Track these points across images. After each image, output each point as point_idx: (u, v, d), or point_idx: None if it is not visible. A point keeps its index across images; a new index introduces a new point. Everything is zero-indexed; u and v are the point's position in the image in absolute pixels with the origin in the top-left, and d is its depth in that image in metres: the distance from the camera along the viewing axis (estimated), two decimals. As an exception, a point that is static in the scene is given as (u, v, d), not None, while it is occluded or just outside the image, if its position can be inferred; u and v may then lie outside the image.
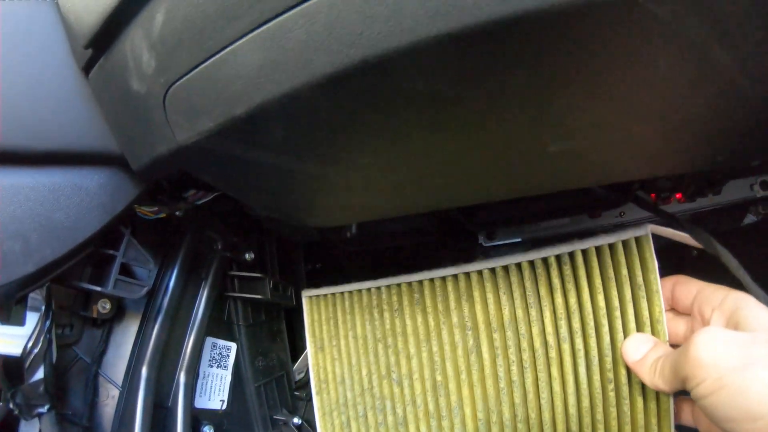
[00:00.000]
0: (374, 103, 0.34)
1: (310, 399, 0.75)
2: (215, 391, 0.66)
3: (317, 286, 0.78)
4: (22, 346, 0.52)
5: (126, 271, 0.58)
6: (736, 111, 0.35)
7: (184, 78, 0.38)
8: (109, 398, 0.60)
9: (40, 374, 0.53)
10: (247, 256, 0.70)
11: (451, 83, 0.31)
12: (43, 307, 0.53)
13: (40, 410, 0.52)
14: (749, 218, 0.71)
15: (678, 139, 0.40)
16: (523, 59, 0.28)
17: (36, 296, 0.54)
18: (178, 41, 0.37)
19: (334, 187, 0.50)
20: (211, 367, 0.67)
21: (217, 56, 0.35)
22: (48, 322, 0.53)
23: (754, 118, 0.36)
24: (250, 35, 0.33)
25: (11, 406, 0.51)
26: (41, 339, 0.53)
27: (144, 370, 0.59)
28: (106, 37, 0.42)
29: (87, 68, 0.47)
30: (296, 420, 0.70)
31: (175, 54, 0.38)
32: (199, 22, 0.34)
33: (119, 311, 0.61)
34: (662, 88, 0.31)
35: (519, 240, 0.71)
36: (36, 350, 0.53)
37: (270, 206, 0.59)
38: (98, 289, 0.56)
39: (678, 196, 0.65)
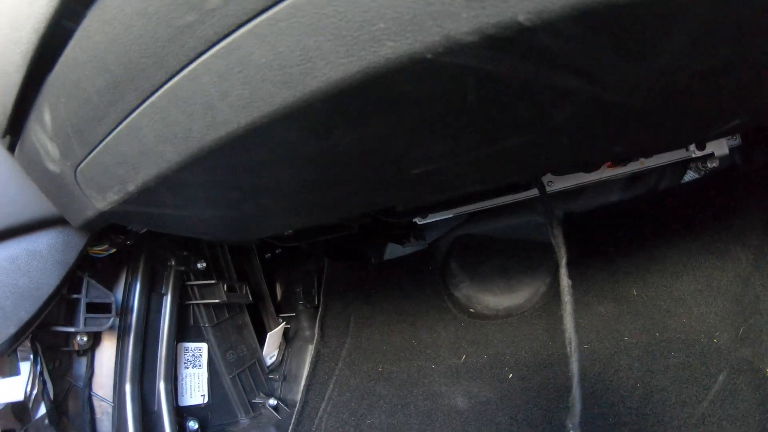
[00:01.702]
0: (235, 171, 0.41)
1: (284, 379, 0.87)
2: (195, 388, 0.77)
3: (279, 270, 0.86)
4: (23, 392, 0.62)
5: (93, 306, 0.67)
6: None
7: (84, 162, 0.46)
8: (104, 414, 0.70)
9: (42, 410, 0.64)
10: (199, 265, 0.78)
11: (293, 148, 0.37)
12: (32, 355, 0.63)
13: (49, 439, 0.63)
14: (690, 175, 0.77)
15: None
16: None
17: (23, 348, 0.63)
18: (67, 135, 0.44)
19: (244, 220, 0.57)
20: (187, 368, 0.77)
21: (99, 147, 0.43)
22: (38, 366, 0.63)
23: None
24: (115, 131, 0.40)
25: (25, 441, 0.62)
26: (36, 382, 0.63)
27: (127, 387, 0.70)
28: (14, 128, 0.49)
29: (11, 149, 0.54)
30: (272, 401, 0.82)
31: (69, 144, 0.45)
32: (76, 120, 0.41)
33: (97, 338, 0.70)
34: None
35: (451, 216, 0.78)
36: (35, 392, 0.63)
37: (204, 236, 0.66)
38: (71, 329, 0.65)
39: (607, 164, 0.71)
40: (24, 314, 0.58)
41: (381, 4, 0.25)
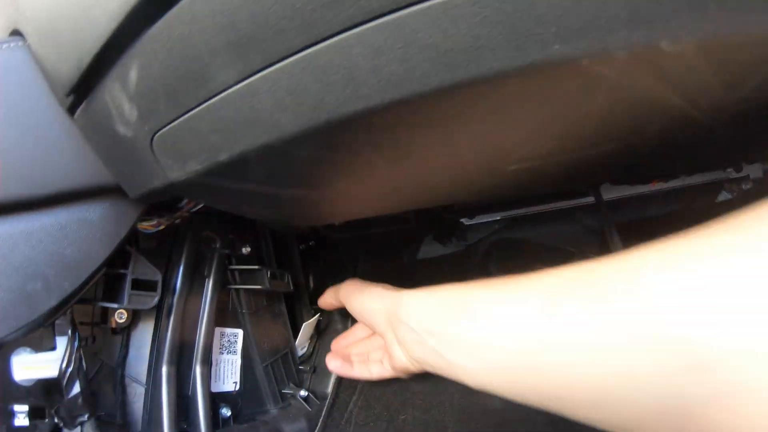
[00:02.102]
0: (339, 149, 0.40)
1: (314, 371, 0.85)
2: (228, 374, 0.76)
3: (312, 262, 0.85)
4: (58, 368, 0.60)
5: (136, 283, 0.65)
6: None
7: (169, 126, 0.43)
8: (136, 396, 0.69)
9: (77, 389, 0.61)
10: (243, 250, 0.77)
11: (407, 132, 0.37)
12: (69, 330, 0.61)
13: (82, 419, 0.61)
14: (724, 195, 0.79)
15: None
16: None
17: (61, 322, 0.61)
18: (155, 96, 0.42)
19: (318, 203, 0.56)
20: (222, 353, 0.76)
21: (194, 111, 0.40)
22: (76, 342, 0.61)
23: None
24: (222, 95, 0.37)
25: (56, 420, 0.60)
26: (73, 358, 0.61)
27: (164, 368, 0.68)
28: (85, 87, 0.46)
29: (71, 110, 0.51)
30: (303, 392, 0.80)
31: (154, 106, 0.42)
32: (173, 81, 0.39)
33: (135, 317, 0.69)
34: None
35: (498, 218, 0.78)
36: (70, 369, 0.61)
37: (261, 216, 0.65)
38: (115, 306, 0.64)
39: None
40: (68, 285, 0.56)
41: (555, 9, 0.25)
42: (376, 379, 0.70)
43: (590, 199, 0.73)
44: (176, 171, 0.48)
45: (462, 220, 0.79)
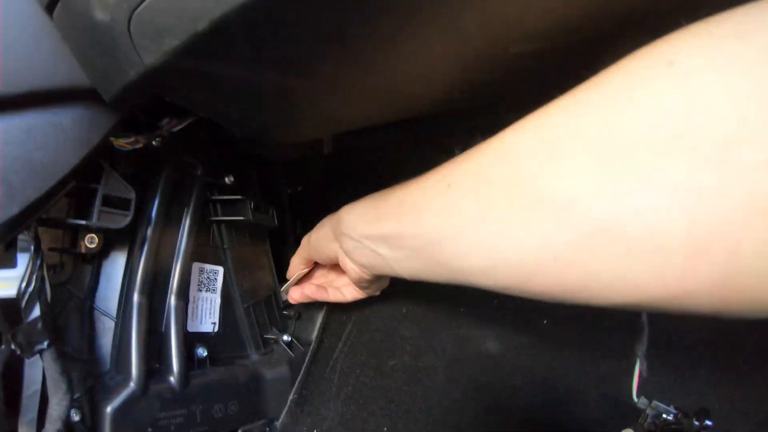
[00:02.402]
0: (331, 12, 0.36)
1: (299, 317, 0.81)
2: (206, 314, 0.71)
3: (299, 207, 0.81)
4: (17, 288, 0.55)
5: (108, 201, 0.60)
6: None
7: (146, 1, 0.39)
8: (106, 330, 0.64)
9: (36, 313, 0.56)
10: (227, 179, 0.72)
11: None
12: (32, 247, 0.56)
13: (41, 347, 0.56)
14: None
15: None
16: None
17: (24, 237, 0.56)
18: None
19: (303, 100, 0.53)
20: (200, 291, 0.71)
21: None
22: (38, 261, 0.56)
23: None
24: None
25: (13, 346, 0.55)
26: (33, 278, 0.56)
27: (135, 297, 0.63)
28: None
29: (50, 8, 0.47)
30: (286, 337, 0.76)
31: None
32: None
33: (106, 246, 0.64)
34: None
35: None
36: (30, 289, 0.55)
37: (243, 124, 0.61)
38: (83, 222, 0.59)
39: None
40: (32, 192, 0.50)
41: None
42: (350, 300, 0.75)
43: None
44: (153, 53, 0.44)
45: (457, 154, 0.75)
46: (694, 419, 0.56)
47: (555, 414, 0.66)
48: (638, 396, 0.59)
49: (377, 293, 0.76)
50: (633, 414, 0.60)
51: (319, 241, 0.69)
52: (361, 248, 0.59)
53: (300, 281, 0.79)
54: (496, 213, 0.38)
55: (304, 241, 0.75)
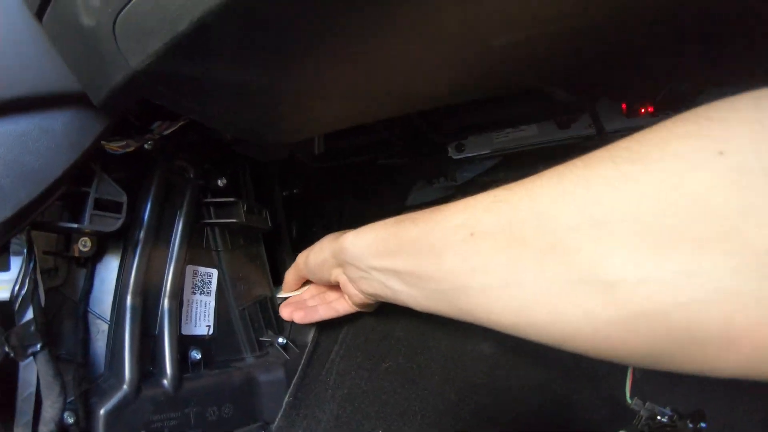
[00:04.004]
0: (312, 9, 0.37)
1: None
2: (200, 317, 0.72)
3: (295, 210, 0.82)
4: (10, 291, 0.56)
5: (100, 204, 0.61)
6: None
7: (129, 4, 0.41)
8: (100, 333, 0.64)
9: (29, 315, 0.57)
10: (219, 182, 0.73)
11: None
12: (25, 250, 0.57)
13: (34, 349, 0.57)
14: None
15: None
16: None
17: (17, 241, 0.57)
18: None
19: (288, 98, 0.53)
20: (195, 294, 0.72)
21: None
22: (32, 264, 0.57)
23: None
24: None
25: (7, 349, 0.56)
26: (27, 281, 0.57)
27: (128, 299, 0.64)
28: None
29: (40, 14, 0.49)
30: (281, 340, 0.76)
31: None
32: None
33: (100, 250, 0.65)
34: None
35: (489, 152, 0.75)
36: (23, 292, 0.56)
37: (231, 126, 0.62)
38: (75, 225, 0.60)
39: (650, 109, 0.69)
40: (24, 196, 0.52)
41: None
42: (342, 315, 0.76)
43: (591, 131, 0.70)
44: (138, 55, 0.45)
45: (450, 153, 0.76)
46: (688, 422, 0.56)
47: (550, 415, 0.66)
48: (632, 397, 0.59)
49: (373, 310, 0.75)
50: (628, 415, 0.60)
51: (319, 266, 0.69)
52: (369, 279, 0.59)
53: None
54: (529, 277, 0.38)
55: (300, 260, 0.74)
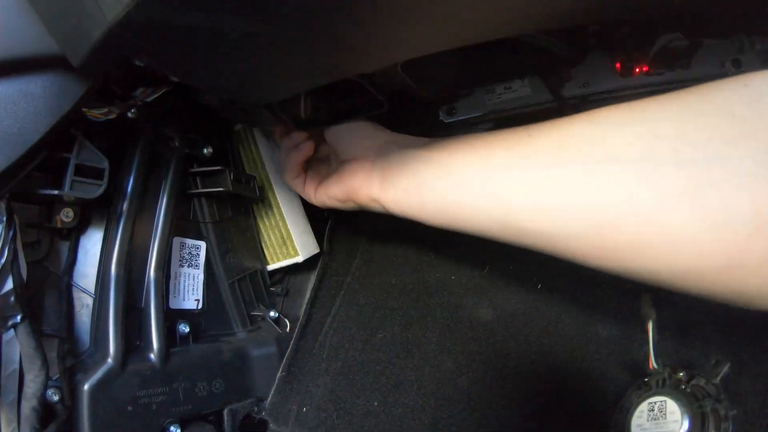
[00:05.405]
0: None
1: (287, 294, 0.81)
2: (189, 290, 0.71)
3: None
4: (-13, 260, 0.54)
5: (81, 170, 0.60)
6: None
7: None
8: (84, 307, 0.63)
9: (9, 286, 0.56)
10: (205, 151, 0.72)
11: None
12: (4, 218, 0.55)
13: (14, 321, 0.56)
14: None
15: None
16: None
17: (-5, 210, 0.55)
18: None
19: (269, 48, 0.52)
20: (182, 266, 0.71)
21: None
22: (11, 233, 0.55)
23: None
24: None
25: (-15, 321, 0.55)
26: (6, 250, 0.55)
27: (112, 269, 0.63)
28: None
29: None
30: (273, 313, 0.76)
31: None
32: None
33: (83, 221, 0.64)
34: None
35: (481, 114, 0.74)
36: (2, 261, 0.55)
37: (213, 84, 0.60)
38: (56, 192, 0.58)
39: (644, 68, 0.68)
40: (3, 160, 0.50)
41: None
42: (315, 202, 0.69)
43: (585, 91, 0.69)
44: (114, 6, 0.44)
45: (441, 117, 0.75)
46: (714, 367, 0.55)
47: (552, 382, 0.65)
48: (655, 360, 0.58)
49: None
50: (636, 378, 0.59)
51: (351, 143, 0.65)
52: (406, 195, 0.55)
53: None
54: (575, 158, 0.40)
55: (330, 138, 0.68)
